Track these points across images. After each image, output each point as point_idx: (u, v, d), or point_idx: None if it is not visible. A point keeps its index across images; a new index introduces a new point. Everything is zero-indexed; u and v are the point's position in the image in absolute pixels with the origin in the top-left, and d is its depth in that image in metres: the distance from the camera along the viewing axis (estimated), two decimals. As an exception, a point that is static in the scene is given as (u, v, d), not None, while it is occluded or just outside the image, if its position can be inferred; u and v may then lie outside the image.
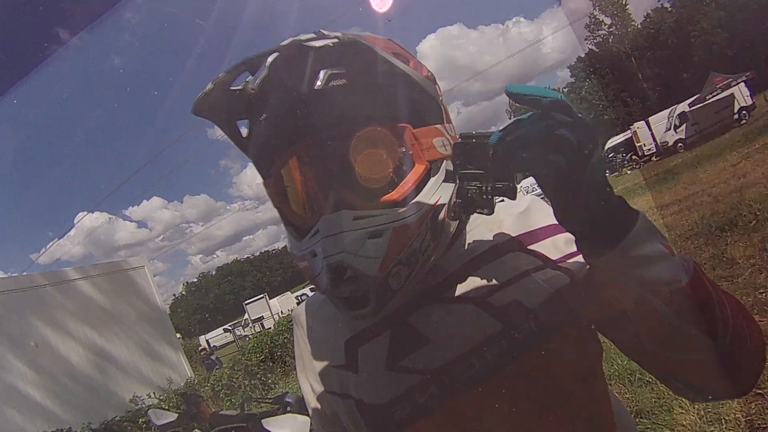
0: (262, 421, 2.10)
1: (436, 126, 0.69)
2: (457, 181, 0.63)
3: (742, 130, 15.16)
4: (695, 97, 19.42)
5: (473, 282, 0.72)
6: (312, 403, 0.83)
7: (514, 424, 0.70)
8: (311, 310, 0.85)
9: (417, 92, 0.68)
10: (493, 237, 0.76)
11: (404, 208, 0.63)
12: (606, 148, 24.12)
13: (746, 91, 18.94)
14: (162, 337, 10.71)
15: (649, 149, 21.41)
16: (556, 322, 0.70)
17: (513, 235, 0.75)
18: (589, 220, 0.55)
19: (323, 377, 0.79)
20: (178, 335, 13.88)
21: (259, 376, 9.03)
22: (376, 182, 0.64)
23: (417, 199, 0.64)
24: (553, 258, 0.73)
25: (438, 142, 0.67)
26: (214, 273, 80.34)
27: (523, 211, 0.77)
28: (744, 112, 18.50)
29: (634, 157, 22.19)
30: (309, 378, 0.83)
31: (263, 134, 0.66)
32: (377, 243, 0.61)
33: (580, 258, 0.65)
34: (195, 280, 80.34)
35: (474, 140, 0.60)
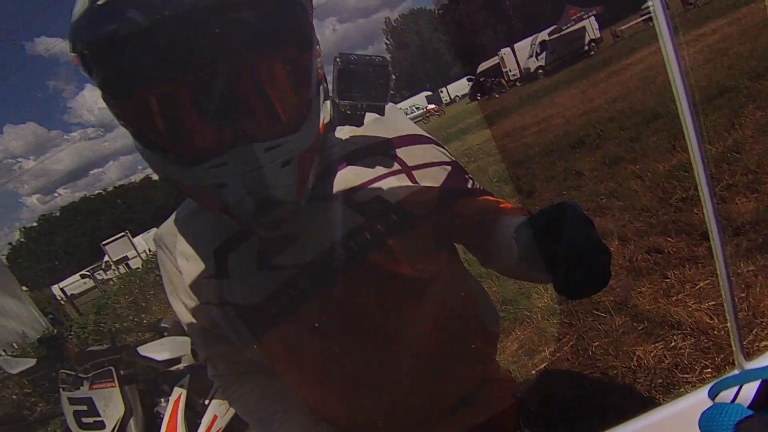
0: (138, 348, 2.02)
1: (317, 47, 0.69)
2: (331, 97, 0.72)
3: (591, 61, 17.00)
4: (553, 26, 21.12)
5: (339, 182, 0.78)
6: (188, 320, 0.86)
7: (381, 306, 0.80)
8: (173, 230, 0.85)
9: (300, 12, 0.66)
10: (357, 141, 0.81)
11: (303, 132, 0.65)
12: (477, 73, 25.35)
13: (596, 25, 21.11)
14: (4, 291, 9.55)
15: (514, 75, 23.08)
16: (415, 217, 0.80)
17: (372, 140, 0.82)
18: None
19: (196, 291, 0.82)
20: (25, 288, 12.49)
21: (131, 317, 8.51)
22: (279, 107, 0.64)
23: (310, 121, 0.66)
24: (410, 164, 0.81)
25: (318, 63, 0.68)
26: (58, 214, 70.59)
27: (385, 119, 0.81)
28: (593, 44, 20.59)
29: (501, 81, 23.68)
30: (181, 297, 0.85)
31: (135, 55, 0.58)
32: (289, 170, 0.65)
33: (434, 170, 0.82)
34: (35, 224, 70.12)
35: (353, 65, 0.69)
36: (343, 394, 0.86)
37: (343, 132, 0.81)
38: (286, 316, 0.78)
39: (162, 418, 2.00)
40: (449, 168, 0.85)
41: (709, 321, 2.16)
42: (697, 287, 2.41)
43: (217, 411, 1.99)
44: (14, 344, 8.09)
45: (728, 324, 0.62)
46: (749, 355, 0.60)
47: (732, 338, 0.61)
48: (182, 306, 0.85)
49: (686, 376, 1.99)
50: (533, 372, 2.48)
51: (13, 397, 5.87)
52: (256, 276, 0.77)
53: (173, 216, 0.87)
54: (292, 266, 0.76)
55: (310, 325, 0.78)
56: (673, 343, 2.16)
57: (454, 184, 0.85)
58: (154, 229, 0.92)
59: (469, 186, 0.88)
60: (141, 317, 8.56)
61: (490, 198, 0.89)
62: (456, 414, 0.89)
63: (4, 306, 9.26)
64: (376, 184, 0.78)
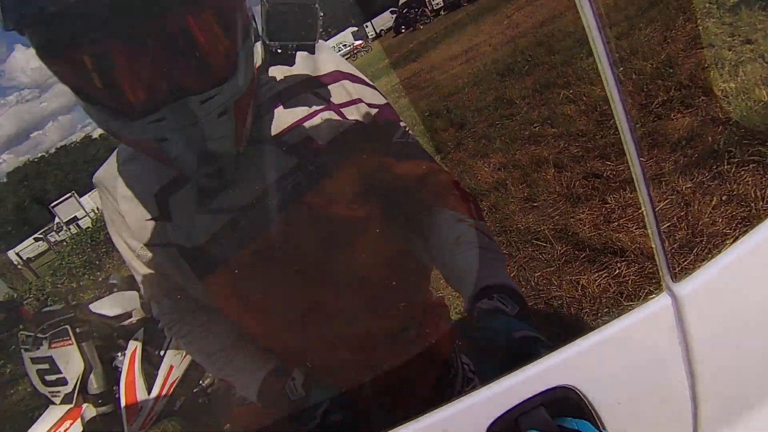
0: (90, 306, 2.01)
1: None
2: (261, 38, 0.67)
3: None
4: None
5: (272, 124, 0.74)
6: (132, 260, 0.84)
7: (317, 245, 0.78)
8: (114, 173, 0.79)
9: None
10: (288, 80, 0.76)
11: (236, 79, 0.62)
12: (399, 4, 24.11)
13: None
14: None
15: (438, 3, 21.93)
16: (345, 157, 0.77)
17: (302, 78, 0.77)
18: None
19: (139, 233, 0.79)
20: (-19, 256, 12.05)
21: (86, 276, 8.41)
22: (209, 58, 0.60)
23: (243, 66, 0.62)
24: (337, 102, 0.77)
25: (246, 4, 0.65)
26: (5, 180, 65.18)
27: (315, 56, 0.76)
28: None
29: (425, 11, 22.58)
30: (124, 238, 0.82)
31: (64, 18, 0.52)
32: (226, 120, 0.62)
33: (363, 109, 0.78)
34: (-16, 192, 64.26)
35: (281, 6, 0.65)
36: (285, 329, 0.85)
37: (275, 72, 0.76)
38: (228, 257, 0.76)
39: (120, 372, 2.01)
40: (377, 109, 0.81)
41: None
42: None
43: (173, 361, 2.07)
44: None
45: (652, 244, 0.57)
46: (677, 276, 0.54)
47: (657, 258, 0.56)
48: (125, 246, 0.82)
49: (632, 303, 1.85)
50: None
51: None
52: (197, 219, 0.75)
53: (113, 157, 0.81)
54: (229, 209, 0.74)
55: (251, 264, 0.77)
56: (617, 271, 2.02)
57: (382, 127, 0.81)
58: (101, 187, 0.83)
59: (401, 134, 0.83)
60: (96, 275, 8.23)
61: (424, 166, 0.84)
62: (393, 341, 0.89)
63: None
64: (306, 124, 0.75)
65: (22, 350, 1.99)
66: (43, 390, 1.97)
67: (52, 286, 8.07)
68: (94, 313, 2.00)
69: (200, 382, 2.22)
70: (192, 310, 0.90)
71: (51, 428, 1.87)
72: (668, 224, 2.04)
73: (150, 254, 0.81)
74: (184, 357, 2.10)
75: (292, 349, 0.88)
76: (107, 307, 2.05)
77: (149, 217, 0.77)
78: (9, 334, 2.03)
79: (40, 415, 1.96)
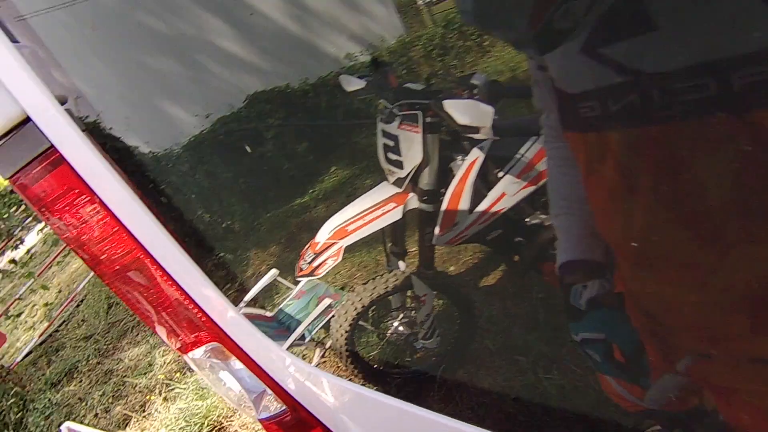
0: (444, 101, 1.82)
1: None
2: None
3: None
4: None
5: None
6: (524, 63, 0.74)
7: (745, 184, 0.48)
8: None
9: None
10: None
11: None
12: None
13: None
14: (369, -8, 10.72)
15: None
16: None
17: None
18: None
19: (521, 40, 0.68)
20: (393, -12, 14.31)
21: (473, 37, 8.86)
22: None
23: None
24: None
25: None
26: None
27: None
28: None
29: None
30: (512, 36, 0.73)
31: None
32: None
33: None
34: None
35: None
36: (629, 238, 0.65)
37: None
38: (595, 128, 0.57)
39: (453, 177, 1.93)
40: None
41: None
42: None
43: (507, 189, 1.86)
44: (374, 45, 9.35)
45: None
46: None
47: None
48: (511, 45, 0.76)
49: None
50: None
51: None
52: (576, 59, 0.54)
53: None
54: (625, 68, 0.49)
55: (621, 150, 0.57)
56: None
57: None
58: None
59: None
60: (482, 38, 8.69)
61: None
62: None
63: (369, 9, 10.64)
64: None
65: (378, 119, 2.09)
66: (384, 165, 2.10)
67: (440, 39, 8.99)
68: (445, 111, 1.90)
69: (525, 219, 2.05)
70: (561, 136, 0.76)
71: (379, 202, 2.05)
72: None
73: (533, 66, 0.68)
74: (521, 189, 1.89)
75: (620, 262, 0.71)
76: (458, 111, 1.92)
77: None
78: (372, 96, 2.14)
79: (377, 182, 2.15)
